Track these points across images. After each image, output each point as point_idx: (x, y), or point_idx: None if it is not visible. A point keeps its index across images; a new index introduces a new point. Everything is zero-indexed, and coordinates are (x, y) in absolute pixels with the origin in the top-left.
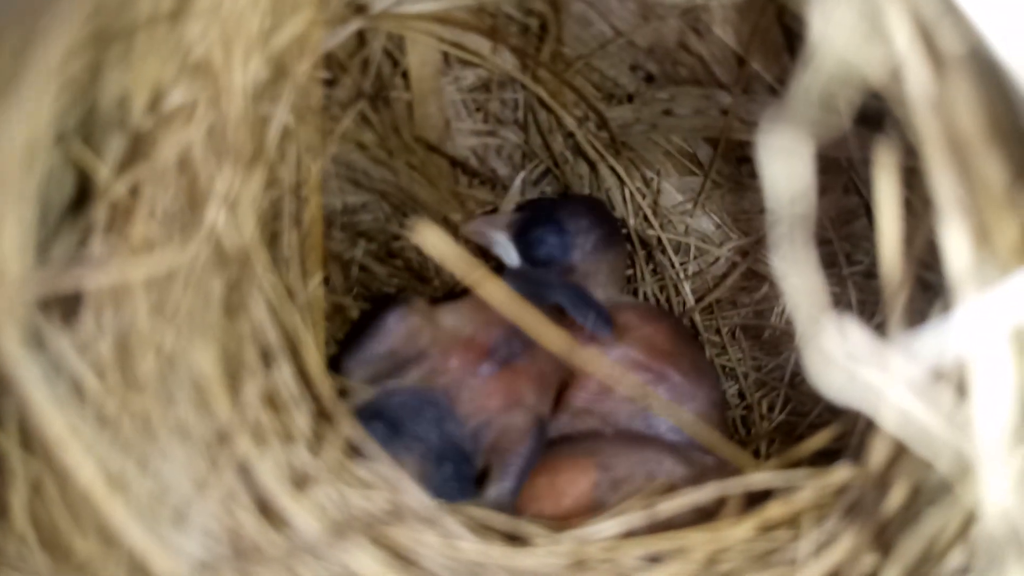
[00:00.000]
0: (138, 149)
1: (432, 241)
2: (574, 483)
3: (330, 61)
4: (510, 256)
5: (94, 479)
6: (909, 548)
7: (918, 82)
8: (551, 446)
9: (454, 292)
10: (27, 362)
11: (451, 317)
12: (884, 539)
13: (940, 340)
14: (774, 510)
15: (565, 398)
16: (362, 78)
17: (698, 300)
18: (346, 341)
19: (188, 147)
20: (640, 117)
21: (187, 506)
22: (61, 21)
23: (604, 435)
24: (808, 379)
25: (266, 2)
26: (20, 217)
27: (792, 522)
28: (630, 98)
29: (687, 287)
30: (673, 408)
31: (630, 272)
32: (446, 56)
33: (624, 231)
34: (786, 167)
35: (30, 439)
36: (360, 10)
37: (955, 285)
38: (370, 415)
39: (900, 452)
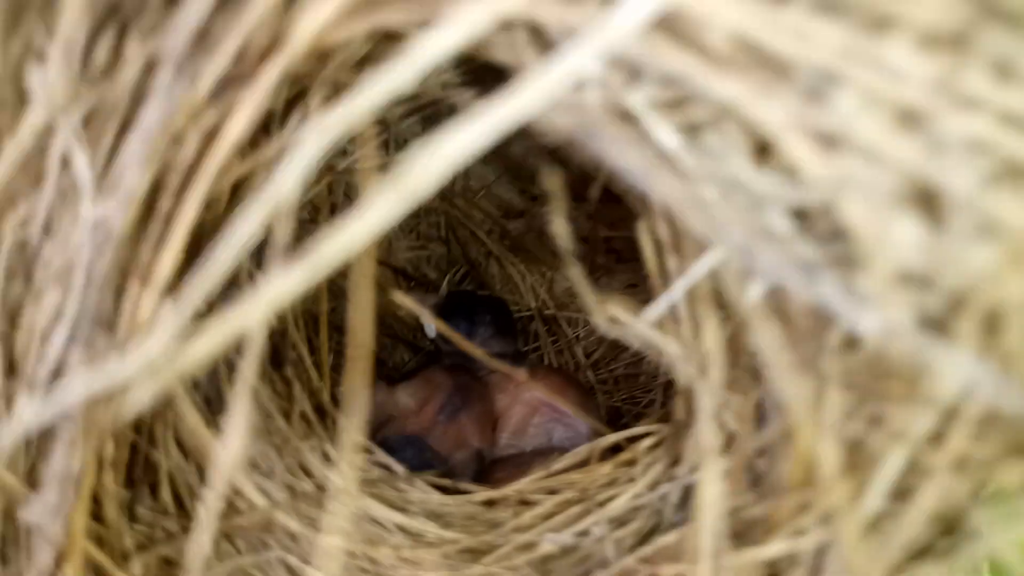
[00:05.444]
0: None
1: (408, 303)
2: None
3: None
4: (429, 329)
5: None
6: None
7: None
8: (491, 466)
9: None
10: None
11: (407, 390)
12: (676, 451)
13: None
14: (624, 455)
15: (496, 435)
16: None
17: (587, 356)
18: None
19: None
20: (531, 227)
21: None
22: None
23: (525, 453)
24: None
25: None
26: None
27: (632, 461)
28: (521, 213)
29: (579, 350)
30: (573, 421)
31: (537, 344)
32: None
33: (528, 312)
34: None
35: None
36: (329, 169)
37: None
38: None
39: (688, 404)
